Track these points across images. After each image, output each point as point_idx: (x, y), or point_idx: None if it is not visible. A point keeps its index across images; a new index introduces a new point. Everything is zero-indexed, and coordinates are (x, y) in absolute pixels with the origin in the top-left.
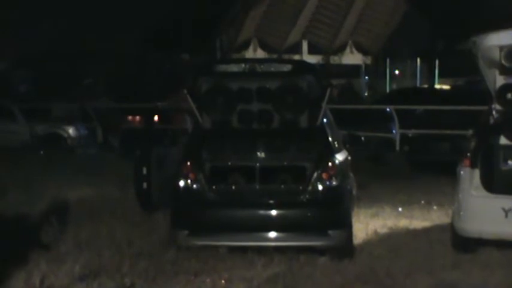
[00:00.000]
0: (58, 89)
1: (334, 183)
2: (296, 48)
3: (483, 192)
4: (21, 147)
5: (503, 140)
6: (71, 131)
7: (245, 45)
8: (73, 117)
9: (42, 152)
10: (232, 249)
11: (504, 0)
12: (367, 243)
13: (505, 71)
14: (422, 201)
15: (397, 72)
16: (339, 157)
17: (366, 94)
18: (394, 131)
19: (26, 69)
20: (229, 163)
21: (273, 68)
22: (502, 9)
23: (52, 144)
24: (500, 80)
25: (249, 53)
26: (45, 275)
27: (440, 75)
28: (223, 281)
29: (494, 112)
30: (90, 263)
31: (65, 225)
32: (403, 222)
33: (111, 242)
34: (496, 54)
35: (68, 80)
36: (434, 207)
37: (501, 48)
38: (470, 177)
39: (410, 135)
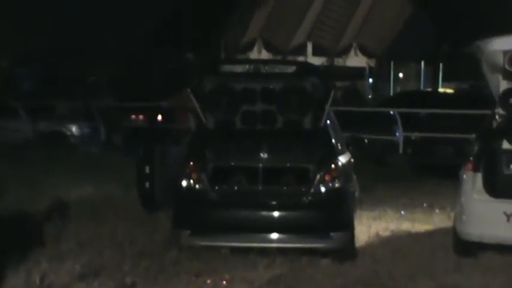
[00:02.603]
0: (62, 87)
1: (336, 185)
2: (301, 50)
3: (485, 197)
4: (24, 145)
5: (506, 145)
6: (74, 129)
7: (250, 46)
8: (76, 115)
9: (44, 150)
10: (234, 250)
11: (509, 5)
12: (370, 246)
13: (508, 75)
14: (425, 205)
15: (401, 75)
16: (342, 159)
17: (370, 96)
18: (397, 134)
19: (30, 67)
20: (232, 163)
21: (277, 69)
22: (507, 14)
23: (55, 142)
24: (503, 85)
25: (254, 54)
26: (45, 273)
27: (444, 79)
28: (224, 282)
29: (497, 117)
30: (91, 262)
31: (67, 224)
32: (406, 225)
33: (112, 241)
34: (500, 59)
35: (72, 79)
36: (437, 211)
37: (505, 53)
38: (472, 181)
39: (413, 138)
